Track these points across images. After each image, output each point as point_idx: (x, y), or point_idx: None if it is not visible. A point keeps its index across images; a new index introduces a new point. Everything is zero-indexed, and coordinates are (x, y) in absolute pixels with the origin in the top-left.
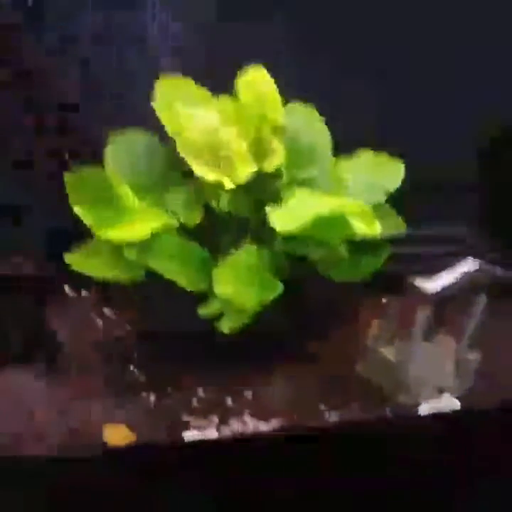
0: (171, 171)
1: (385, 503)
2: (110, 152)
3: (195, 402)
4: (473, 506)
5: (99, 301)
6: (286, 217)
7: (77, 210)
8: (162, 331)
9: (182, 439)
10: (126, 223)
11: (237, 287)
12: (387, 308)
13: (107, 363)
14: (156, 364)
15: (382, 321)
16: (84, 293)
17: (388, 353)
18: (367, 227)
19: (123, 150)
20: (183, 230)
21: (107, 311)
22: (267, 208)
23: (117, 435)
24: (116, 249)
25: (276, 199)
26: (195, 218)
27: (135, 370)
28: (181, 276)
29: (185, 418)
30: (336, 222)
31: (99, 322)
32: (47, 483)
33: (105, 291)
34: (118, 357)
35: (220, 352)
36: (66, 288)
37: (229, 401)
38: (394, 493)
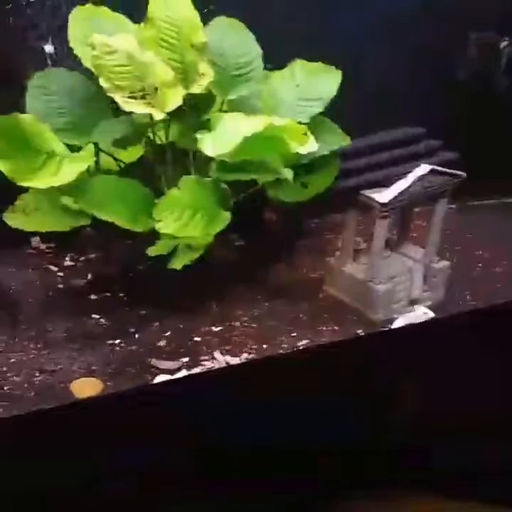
0: (101, 107)
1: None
2: (30, 94)
3: (162, 344)
4: (447, 411)
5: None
6: (217, 142)
7: None
8: (117, 274)
9: (150, 385)
10: (50, 169)
11: (181, 224)
12: (345, 224)
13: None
14: (119, 309)
15: (343, 238)
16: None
17: (354, 270)
18: (302, 144)
19: (44, 91)
20: (120, 168)
21: (66, 260)
22: (198, 135)
23: (86, 388)
24: (54, 200)
25: (208, 125)
26: (131, 155)
27: (97, 317)
28: (121, 217)
29: (153, 362)
30: (267, 142)
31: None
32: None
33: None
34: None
35: (177, 289)
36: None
37: (197, 338)
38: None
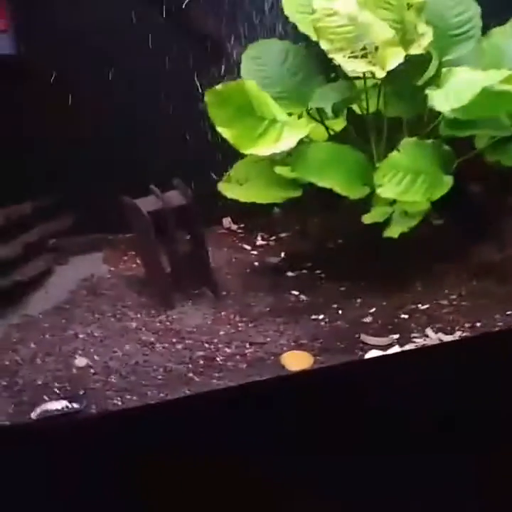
0: (314, 75)
1: None
2: (244, 66)
3: (368, 320)
4: None
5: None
6: (450, 96)
7: (220, 129)
8: (311, 251)
9: (366, 359)
10: (271, 136)
11: (402, 189)
12: None
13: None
14: (318, 285)
15: None
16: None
17: None
18: None
19: (257, 61)
20: (333, 136)
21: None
22: (427, 91)
23: (297, 361)
24: (267, 169)
25: (432, 83)
26: (340, 123)
27: (296, 293)
28: (338, 183)
29: (363, 337)
30: (502, 97)
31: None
32: None
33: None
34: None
35: (389, 262)
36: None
37: (404, 315)
38: None
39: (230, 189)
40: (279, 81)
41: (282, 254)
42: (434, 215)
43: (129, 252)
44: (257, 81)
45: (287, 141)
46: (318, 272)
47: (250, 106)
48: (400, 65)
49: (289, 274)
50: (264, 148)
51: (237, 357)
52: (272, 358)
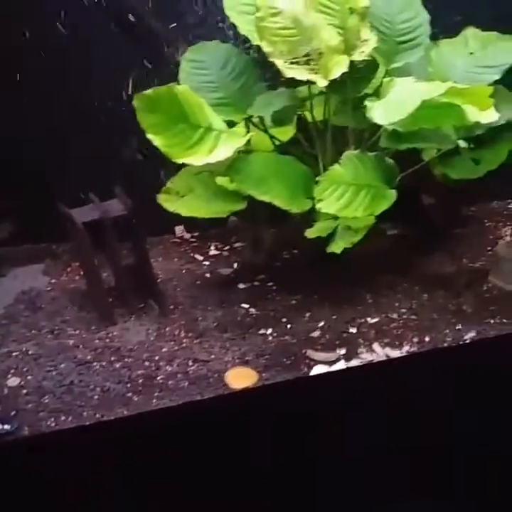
0: (257, 80)
1: None
2: (183, 69)
3: (316, 335)
4: None
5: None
6: (389, 109)
7: (150, 136)
8: (264, 263)
9: (310, 376)
10: (206, 145)
11: (343, 204)
12: None
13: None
14: (269, 298)
15: None
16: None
17: None
18: (481, 112)
19: (196, 65)
20: (279, 145)
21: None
22: (367, 103)
23: (241, 378)
24: (209, 180)
25: (375, 94)
26: (288, 132)
27: (246, 306)
28: (278, 196)
29: (309, 353)
30: (444, 110)
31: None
32: None
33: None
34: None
35: (341, 274)
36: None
37: (353, 329)
38: None
39: (170, 201)
40: (220, 86)
41: (235, 265)
42: (387, 226)
43: (72, 263)
44: (197, 86)
45: (223, 151)
46: (270, 284)
47: (183, 112)
48: (343, 72)
49: (241, 286)
50: (198, 158)
51: (179, 375)
52: (216, 375)
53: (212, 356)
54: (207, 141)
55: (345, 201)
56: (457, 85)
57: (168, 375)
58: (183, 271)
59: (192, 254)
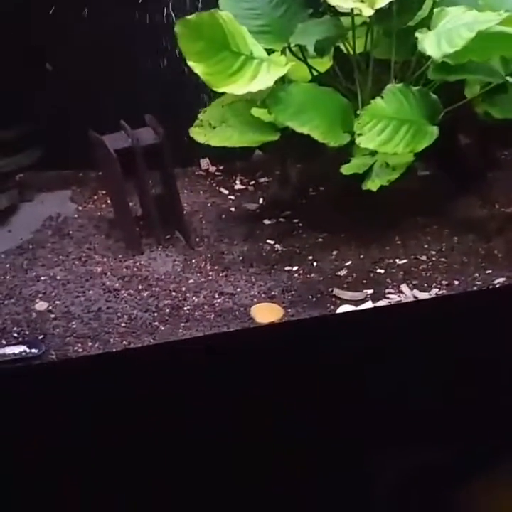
0: (300, 8)
1: None
2: None
3: (342, 273)
4: None
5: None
6: (443, 40)
7: (191, 64)
8: (291, 199)
9: (335, 314)
10: (247, 74)
11: (384, 139)
12: None
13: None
14: (295, 235)
15: None
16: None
17: None
18: None
19: None
20: (317, 76)
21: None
22: (418, 34)
23: (267, 313)
24: (244, 111)
25: (425, 23)
26: (325, 63)
27: (272, 242)
28: (317, 128)
29: (336, 292)
30: (497, 39)
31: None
32: None
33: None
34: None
35: (370, 213)
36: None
37: (381, 270)
38: None
39: (201, 133)
40: (261, 14)
41: (261, 201)
42: (419, 166)
43: (99, 191)
44: (237, 13)
45: (264, 80)
46: (296, 220)
47: (225, 40)
48: (390, 3)
49: (266, 221)
50: (239, 86)
51: (205, 307)
52: (242, 309)
53: (238, 290)
54: (248, 70)
55: (386, 136)
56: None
57: (195, 306)
58: (209, 204)
59: (217, 188)
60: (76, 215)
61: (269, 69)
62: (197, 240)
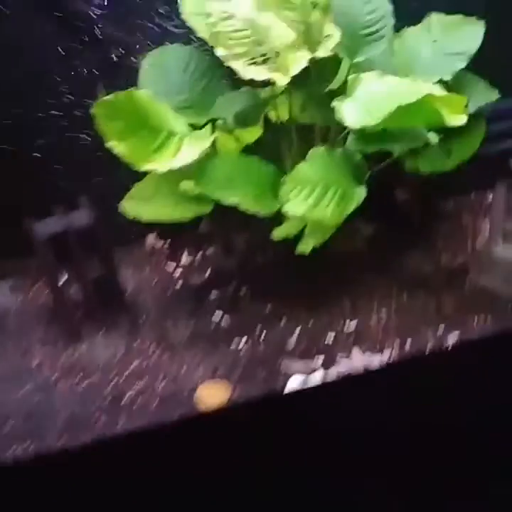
0: (219, 82)
1: None
2: (143, 73)
3: (291, 343)
4: None
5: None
6: (361, 111)
7: (111, 144)
8: (238, 268)
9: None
10: (170, 149)
11: (311, 204)
12: (495, 196)
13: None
14: (242, 305)
15: (492, 213)
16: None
17: (508, 252)
18: (453, 116)
19: (159, 68)
20: (247, 147)
21: (184, 256)
22: (335, 103)
23: (213, 393)
24: (176, 183)
25: (342, 91)
26: (255, 132)
27: (218, 315)
28: (245, 198)
29: (284, 363)
30: (419, 112)
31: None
32: None
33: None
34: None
35: (318, 276)
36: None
37: (331, 335)
38: None
39: (132, 207)
40: (182, 89)
41: (207, 273)
42: (362, 224)
43: (40, 279)
44: (158, 89)
45: (187, 155)
46: (243, 290)
47: (144, 118)
48: (306, 69)
49: (213, 294)
50: (161, 163)
51: (148, 392)
52: (186, 391)
53: (183, 371)
54: (170, 146)
55: (313, 201)
56: (435, 92)
57: (137, 393)
58: (154, 282)
59: (164, 263)
60: (15, 307)
61: (191, 143)
62: (141, 321)
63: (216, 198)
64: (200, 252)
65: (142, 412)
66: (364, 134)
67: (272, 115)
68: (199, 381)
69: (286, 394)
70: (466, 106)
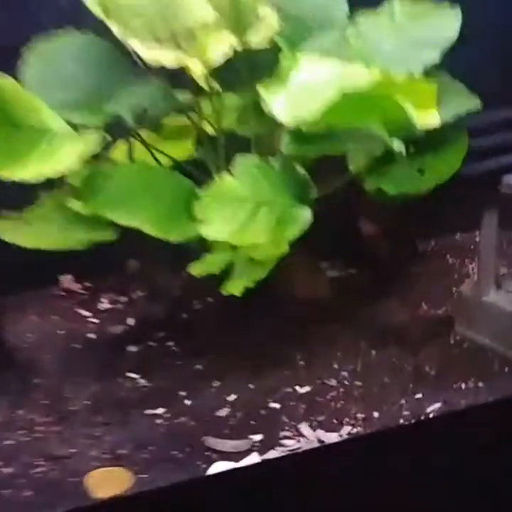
0: (123, 76)
1: None
2: (32, 63)
3: (223, 413)
4: None
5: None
6: (295, 102)
7: None
8: (165, 316)
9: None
10: (42, 153)
11: (237, 226)
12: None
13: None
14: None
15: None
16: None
17: (501, 300)
18: (422, 112)
19: (48, 59)
20: (159, 163)
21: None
22: (261, 90)
23: (108, 483)
24: (62, 204)
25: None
26: (183, 146)
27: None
28: (149, 220)
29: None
30: (371, 104)
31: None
32: None
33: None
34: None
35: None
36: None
37: (275, 404)
38: None
39: (11, 230)
40: (76, 83)
41: (130, 321)
42: (326, 265)
43: None
44: (44, 83)
45: (63, 159)
46: (170, 343)
47: (7, 112)
48: (237, 64)
49: (132, 348)
50: (30, 169)
51: (23, 480)
52: (74, 478)
53: (74, 450)
54: (44, 148)
55: (240, 223)
56: (388, 72)
57: (7, 479)
58: (62, 332)
59: (77, 310)
60: None
61: (69, 145)
62: (34, 381)
63: (110, 219)
64: (125, 297)
65: (8, 505)
66: (301, 135)
67: (192, 118)
68: (93, 464)
69: (207, 478)
70: (438, 104)
